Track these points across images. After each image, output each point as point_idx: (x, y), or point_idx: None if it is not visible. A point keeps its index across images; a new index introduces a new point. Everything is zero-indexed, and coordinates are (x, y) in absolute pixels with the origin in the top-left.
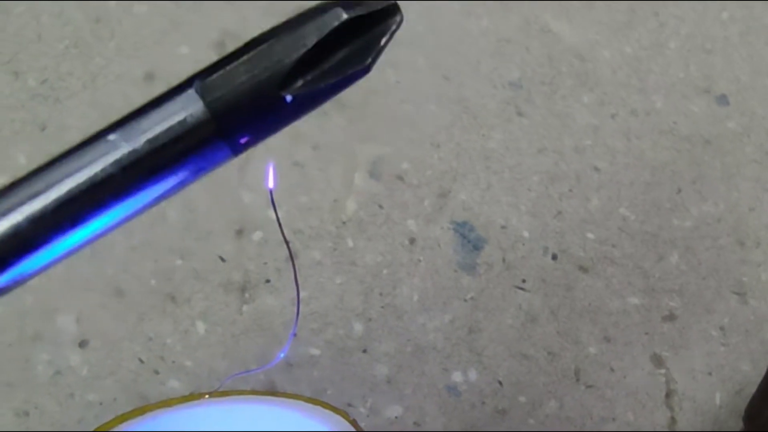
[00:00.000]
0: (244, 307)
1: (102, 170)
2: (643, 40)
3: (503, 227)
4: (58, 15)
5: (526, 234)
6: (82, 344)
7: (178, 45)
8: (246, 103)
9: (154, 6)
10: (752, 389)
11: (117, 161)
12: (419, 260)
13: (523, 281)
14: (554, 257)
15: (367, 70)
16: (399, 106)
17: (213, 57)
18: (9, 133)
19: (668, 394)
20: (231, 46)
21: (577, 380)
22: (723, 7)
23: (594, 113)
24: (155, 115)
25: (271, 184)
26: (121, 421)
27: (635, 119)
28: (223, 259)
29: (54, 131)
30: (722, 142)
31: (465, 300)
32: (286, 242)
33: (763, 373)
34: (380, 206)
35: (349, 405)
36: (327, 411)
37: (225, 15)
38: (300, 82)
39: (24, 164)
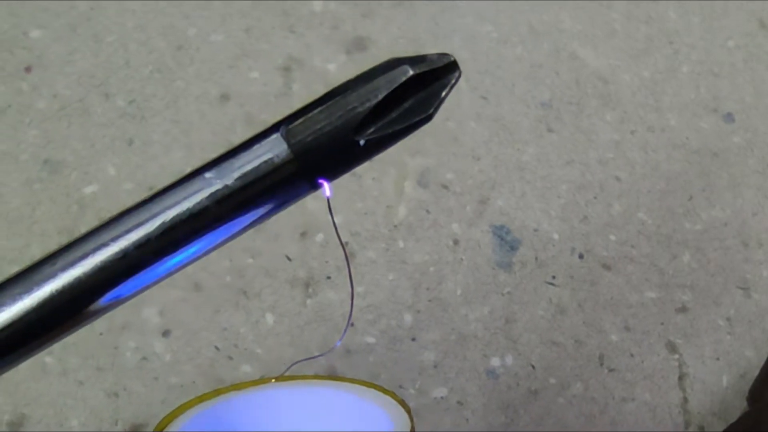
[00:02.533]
0: (308, 301)
1: (199, 203)
2: (659, 65)
3: (536, 230)
4: (144, 43)
5: (555, 236)
6: (165, 333)
7: (250, 70)
8: (325, 146)
9: (228, 35)
10: (755, 373)
11: (212, 195)
12: (462, 259)
13: (553, 277)
14: (581, 256)
15: (429, 118)
16: (444, 124)
17: (279, 80)
18: (101, 147)
19: (681, 377)
20: (295, 71)
21: (601, 364)
22: (729, 36)
23: (616, 129)
24: (245, 156)
25: (328, 192)
26: (200, 402)
27: (652, 135)
28: (289, 258)
29: (140, 146)
30: (728, 155)
31: (502, 294)
32: (342, 245)
33: (765, 358)
34: (427, 211)
35: (400, 387)
36: (379, 393)
37: (290, 43)
38: (372, 129)
39: (113, 174)
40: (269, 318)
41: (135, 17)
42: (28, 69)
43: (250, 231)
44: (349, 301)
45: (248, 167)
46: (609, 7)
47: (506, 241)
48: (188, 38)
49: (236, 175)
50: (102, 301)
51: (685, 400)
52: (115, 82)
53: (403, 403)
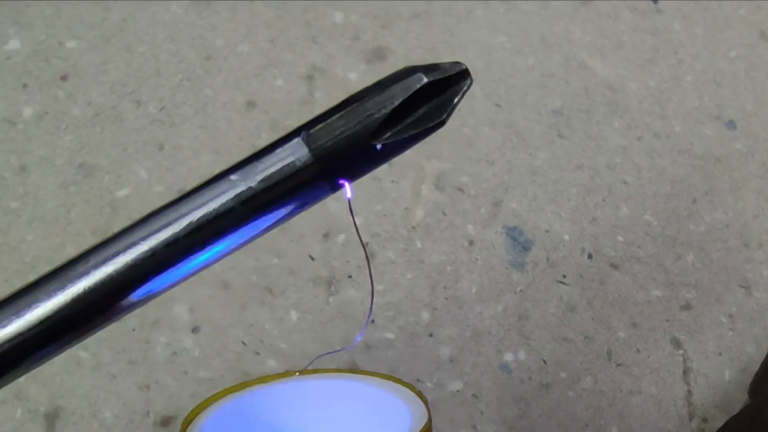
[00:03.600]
0: (330, 299)
1: (224, 204)
2: (664, 74)
3: (547, 231)
4: (174, 53)
5: (566, 237)
6: (195, 329)
7: (275, 78)
8: (344, 150)
9: (254, 46)
10: (756, 367)
11: (237, 196)
12: (477, 259)
13: (564, 276)
14: (590, 256)
15: (442, 123)
16: (459, 129)
17: (303, 88)
18: (132, 151)
19: (685, 371)
20: (318, 79)
21: (609, 359)
22: (731, 47)
23: (623, 136)
24: (268, 159)
25: (349, 194)
26: (227, 394)
27: (657, 141)
28: (312, 258)
29: (170, 150)
30: (730, 160)
31: (515, 292)
32: (363, 245)
33: (765, 353)
34: (444, 213)
35: (418, 380)
36: (398, 385)
37: (313, 53)
38: (388, 134)
39: (145, 178)
40: (293, 315)
41: (166, 29)
42: (63, 77)
43: (275, 232)
44: (370, 299)
45: (271, 170)
46: (617, 19)
47: (519, 241)
48: (216, 48)
49: (260, 177)
50: (132, 297)
51: (690, 393)
52: (147, 90)
53: (420, 395)
